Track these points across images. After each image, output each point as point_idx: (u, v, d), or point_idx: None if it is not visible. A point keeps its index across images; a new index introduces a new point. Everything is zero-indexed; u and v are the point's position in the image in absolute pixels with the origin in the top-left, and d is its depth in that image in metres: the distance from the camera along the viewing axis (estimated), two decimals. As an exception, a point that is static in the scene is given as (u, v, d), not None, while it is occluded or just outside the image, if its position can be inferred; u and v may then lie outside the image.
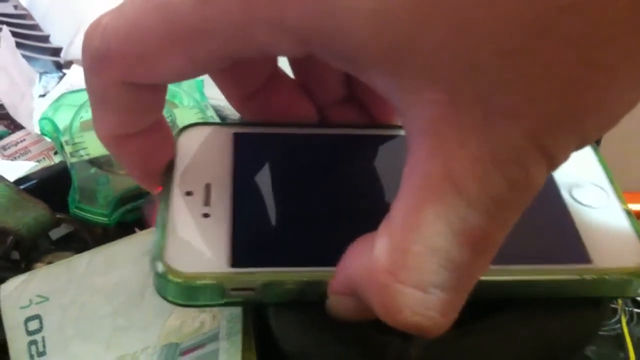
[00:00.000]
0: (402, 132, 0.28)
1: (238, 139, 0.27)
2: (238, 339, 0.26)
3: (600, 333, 0.41)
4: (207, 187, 0.25)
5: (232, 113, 0.44)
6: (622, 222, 0.26)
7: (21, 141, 0.47)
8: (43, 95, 0.50)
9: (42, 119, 0.42)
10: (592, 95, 0.17)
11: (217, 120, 0.43)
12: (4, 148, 0.46)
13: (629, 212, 0.26)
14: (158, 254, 0.23)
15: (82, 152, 0.40)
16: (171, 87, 0.43)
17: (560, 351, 0.26)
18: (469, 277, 0.19)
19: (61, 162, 0.42)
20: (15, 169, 0.42)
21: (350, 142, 0.28)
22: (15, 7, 0.57)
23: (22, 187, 0.39)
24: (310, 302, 0.23)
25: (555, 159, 0.18)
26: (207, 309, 0.27)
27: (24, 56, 0.52)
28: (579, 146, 0.18)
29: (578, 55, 0.16)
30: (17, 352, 0.29)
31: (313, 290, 0.23)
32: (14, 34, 0.52)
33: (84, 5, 0.56)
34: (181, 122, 0.41)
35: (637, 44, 0.16)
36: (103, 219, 0.38)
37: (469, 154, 0.18)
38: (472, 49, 0.16)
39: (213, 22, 0.19)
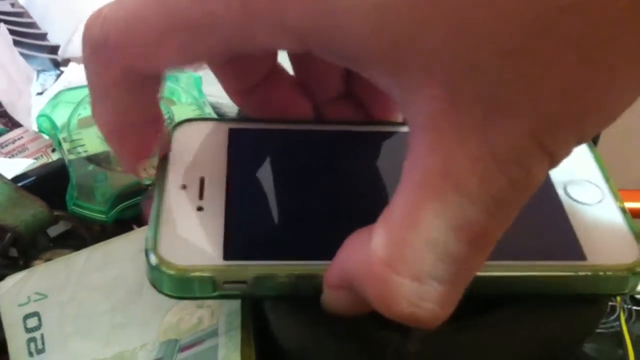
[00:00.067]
0: (397, 129, 0.28)
1: (233, 134, 0.28)
2: (237, 334, 0.26)
3: (599, 330, 0.41)
4: (202, 181, 0.25)
5: (230, 110, 0.45)
6: (617, 220, 0.26)
7: (19, 138, 0.47)
8: (41, 93, 0.50)
9: (40, 116, 0.42)
10: (592, 95, 0.17)
11: (215, 117, 0.43)
12: (2, 146, 0.46)
13: (623, 210, 0.26)
14: (152, 246, 0.23)
15: (79, 149, 0.40)
16: (169, 85, 0.43)
17: (559, 348, 0.26)
18: (466, 271, 0.19)
19: (59, 159, 0.42)
20: (13, 167, 0.42)
21: (345, 138, 0.28)
22: (13, 4, 0.57)
23: (20, 184, 0.39)
24: (306, 296, 0.23)
25: (556, 157, 0.18)
26: (206, 305, 0.28)
27: (22, 54, 0.52)
28: (578, 143, 0.19)
29: (578, 55, 0.16)
30: (16, 349, 0.29)
31: (306, 284, 0.23)
32: (12, 32, 0.52)
33: (82, 3, 0.56)
34: (179, 119, 0.41)
35: (637, 44, 0.16)
36: (101, 216, 0.38)
37: (469, 152, 0.18)
38: (472, 49, 0.17)
39: (213, 18, 0.19)
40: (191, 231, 0.24)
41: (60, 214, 0.38)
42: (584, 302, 0.25)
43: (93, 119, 0.24)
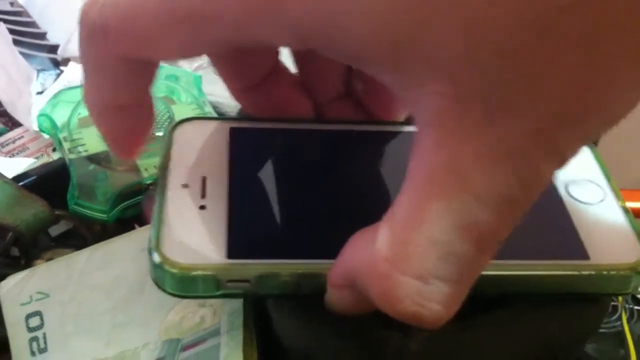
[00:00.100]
0: (398, 129, 0.28)
1: (234, 133, 0.28)
2: (239, 333, 0.26)
3: (601, 330, 0.41)
4: (204, 180, 0.25)
5: (231, 110, 0.45)
6: (619, 219, 0.26)
7: (19, 138, 0.47)
8: (41, 93, 0.50)
9: (40, 115, 0.42)
10: (593, 95, 0.17)
11: (216, 116, 0.43)
12: (2, 145, 0.46)
13: (626, 209, 0.26)
14: (155, 245, 0.23)
15: (80, 149, 0.40)
16: (169, 84, 0.43)
17: (561, 348, 0.26)
18: (471, 271, 0.19)
19: (60, 158, 0.42)
20: (13, 166, 0.42)
21: (346, 137, 0.28)
22: (12, 4, 0.57)
23: (20, 183, 0.39)
24: (309, 295, 0.23)
25: (564, 156, 0.18)
26: (208, 303, 0.28)
27: (21, 53, 0.52)
28: (585, 142, 0.18)
29: (578, 55, 0.16)
30: (19, 348, 0.29)
31: (309, 283, 0.23)
32: (11, 31, 0.52)
33: (82, 2, 0.56)
34: (179, 118, 0.41)
35: (637, 44, 0.16)
36: (102, 216, 0.38)
37: (474, 148, 0.18)
38: (472, 49, 0.16)
39: (214, 10, 0.19)
40: (194, 230, 0.24)
41: (61, 213, 0.38)
42: (586, 301, 0.25)
43: (83, 101, 0.24)
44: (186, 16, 0.19)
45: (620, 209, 0.26)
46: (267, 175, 0.26)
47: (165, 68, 0.45)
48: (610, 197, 0.26)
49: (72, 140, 0.40)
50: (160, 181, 0.25)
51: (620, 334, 0.40)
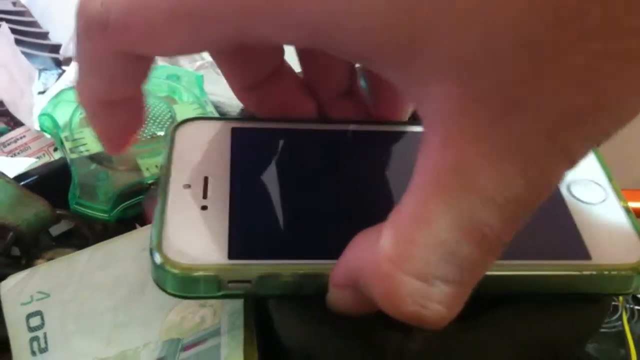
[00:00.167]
0: (400, 129, 0.28)
1: (236, 133, 0.28)
2: (239, 333, 0.26)
3: (601, 330, 0.41)
4: (205, 180, 0.25)
5: (233, 109, 0.44)
6: (620, 219, 0.26)
7: (21, 138, 0.47)
8: (42, 92, 0.50)
9: (42, 115, 0.42)
10: (612, 89, 0.16)
11: (217, 116, 0.43)
12: (4, 145, 0.46)
13: (627, 209, 0.26)
14: (156, 245, 0.23)
15: (81, 148, 0.39)
16: (171, 83, 0.43)
17: (562, 348, 0.26)
18: (474, 273, 0.19)
19: (61, 158, 0.42)
20: (15, 166, 0.42)
21: (348, 137, 0.28)
22: (14, 3, 0.57)
23: (22, 183, 0.39)
24: (310, 295, 0.23)
25: (574, 158, 0.18)
26: (208, 304, 0.28)
27: (23, 53, 0.52)
28: (596, 143, 0.18)
29: (596, 49, 0.16)
30: (19, 348, 0.29)
31: (311, 284, 0.23)
32: (13, 31, 0.52)
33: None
34: (180, 118, 0.41)
35: None
36: (103, 215, 0.38)
37: (482, 149, 0.17)
38: (489, 41, 0.16)
39: (216, 7, 0.19)
40: (195, 230, 0.24)
41: (63, 213, 0.38)
42: (588, 301, 0.25)
43: (75, 92, 0.24)
44: (188, 12, 0.19)
45: (622, 209, 0.26)
46: (268, 175, 0.26)
47: (166, 68, 0.45)
48: (612, 197, 0.26)
49: (74, 140, 0.40)
50: (161, 181, 0.25)
51: (621, 334, 0.40)
